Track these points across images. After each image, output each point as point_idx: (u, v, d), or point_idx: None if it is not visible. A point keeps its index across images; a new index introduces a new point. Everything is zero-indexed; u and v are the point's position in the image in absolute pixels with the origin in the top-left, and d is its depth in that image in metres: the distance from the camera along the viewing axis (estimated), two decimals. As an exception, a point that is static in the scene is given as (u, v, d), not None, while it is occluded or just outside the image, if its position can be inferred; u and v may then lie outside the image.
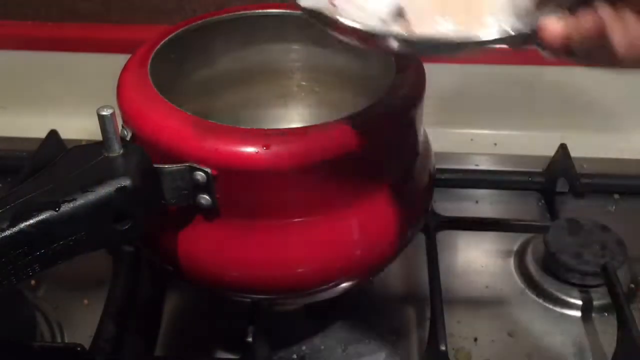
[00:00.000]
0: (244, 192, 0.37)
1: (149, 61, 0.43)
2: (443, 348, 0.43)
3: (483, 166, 0.67)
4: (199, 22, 0.48)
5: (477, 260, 0.56)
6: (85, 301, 0.52)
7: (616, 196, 0.63)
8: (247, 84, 0.56)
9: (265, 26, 0.52)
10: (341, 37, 0.32)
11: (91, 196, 0.32)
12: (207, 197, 0.37)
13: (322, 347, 0.49)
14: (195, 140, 0.36)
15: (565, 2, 0.28)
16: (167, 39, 0.46)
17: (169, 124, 0.38)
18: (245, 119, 0.58)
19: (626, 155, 0.68)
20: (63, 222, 0.32)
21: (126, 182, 0.33)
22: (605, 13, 0.27)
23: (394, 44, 0.30)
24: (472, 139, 0.71)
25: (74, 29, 0.68)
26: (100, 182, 0.33)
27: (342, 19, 0.31)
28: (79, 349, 0.42)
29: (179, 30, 0.47)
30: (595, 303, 0.52)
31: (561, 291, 0.53)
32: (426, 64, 0.44)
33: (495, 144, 0.70)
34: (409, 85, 0.41)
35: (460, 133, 0.71)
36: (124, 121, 0.40)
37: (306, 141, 0.36)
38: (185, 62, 0.50)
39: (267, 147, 0.36)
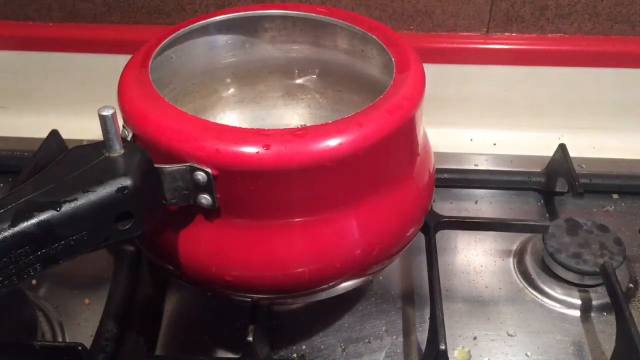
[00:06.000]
0: (244, 192, 0.37)
1: (150, 61, 0.43)
2: (443, 347, 0.43)
3: (482, 166, 0.67)
4: (199, 22, 0.49)
5: (477, 260, 0.57)
6: (86, 301, 0.52)
7: (615, 196, 0.63)
8: (248, 84, 0.57)
9: (266, 26, 0.52)
10: None
11: (92, 196, 0.32)
12: (208, 197, 0.37)
13: (322, 346, 0.49)
14: (196, 140, 0.36)
15: None
16: (167, 39, 0.46)
17: (170, 124, 0.38)
18: (246, 119, 0.58)
19: (625, 155, 0.68)
20: (64, 222, 0.32)
21: (127, 182, 0.33)
22: None
23: None
24: (471, 139, 0.71)
25: (75, 29, 0.68)
26: (101, 182, 0.33)
27: None
28: (79, 348, 0.43)
29: (179, 30, 0.47)
30: (594, 303, 0.52)
31: (560, 291, 0.53)
32: (426, 64, 0.44)
33: (495, 144, 0.70)
34: (409, 85, 0.41)
35: (460, 133, 0.71)
36: (125, 121, 0.40)
37: (306, 141, 0.37)
38: (186, 62, 0.50)
39: (267, 147, 0.36)
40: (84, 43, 0.68)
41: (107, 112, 0.34)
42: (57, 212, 0.32)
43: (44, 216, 0.31)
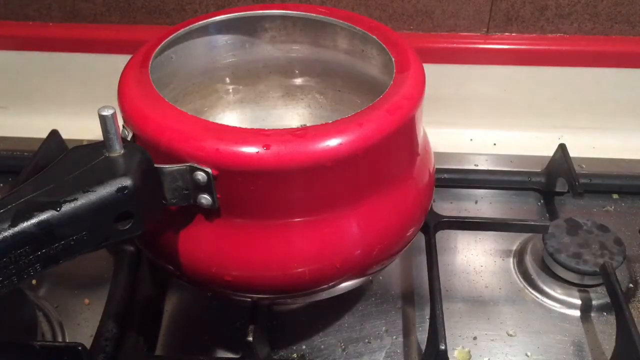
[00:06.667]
0: (244, 192, 0.37)
1: (150, 61, 0.43)
2: (443, 347, 0.43)
3: (482, 166, 0.67)
4: (199, 22, 0.49)
5: (477, 260, 0.57)
6: (86, 301, 0.52)
7: (615, 196, 0.63)
8: (248, 84, 0.57)
9: (266, 26, 0.52)
10: None
11: (92, 196, 0.32)
12: (208, 197, 0.37)
13: (322, 346, 0.49)
14: (196, 140, 0.37)
15: None
16: (167, 39, 0.46)
17: (170, 124, 0.38)
18: (246, 119, 0.58)
19: (625, 155, 0.68)
20: (64, 222, 0.32)
21: (127, 182, 0.33)
22: None
23: None
24: (471, 139, 0.71)
25: (75, 29, 0.68)
26: (101, 182, 0.33)
27: None
28: (80, 348, 0.43)
29: (179, 31, 0.47)
30: (594, 303, 0.52)
31: (560, 291, 0.53)
32: (426, 64, 0.44)
33: (495, 144, 0.70)
34: (409, 85, 0.41)
35: (460, 133, 0.71)
36: (125, 121, 0.40)
37: (306, 141, 0.37)
38: (186, 62, 0.51)
39: (267, 147, 0.36)
40: (84, 43, 0.68)
41: (107, 112, 0.34)
42: (57, 212, 0.32)
43: (44, 216, 0.31)
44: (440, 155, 0.50)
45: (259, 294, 0.43)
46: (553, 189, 0.63)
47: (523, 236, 0.58)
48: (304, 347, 0.49)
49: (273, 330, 0.50)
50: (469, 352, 0.49)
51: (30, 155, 0.61)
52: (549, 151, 0.63)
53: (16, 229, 0.31)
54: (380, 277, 0.55)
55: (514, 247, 0.58)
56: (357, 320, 0.51)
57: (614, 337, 0.47)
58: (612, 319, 0.50)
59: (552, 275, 0.54)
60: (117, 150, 0.34)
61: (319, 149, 0.36)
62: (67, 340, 0.49)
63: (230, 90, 0.56)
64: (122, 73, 0.43)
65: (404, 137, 0.42)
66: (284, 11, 0.50)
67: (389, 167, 0.41)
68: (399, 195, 0.42)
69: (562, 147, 0.61)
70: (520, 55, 0.66)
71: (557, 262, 0.53)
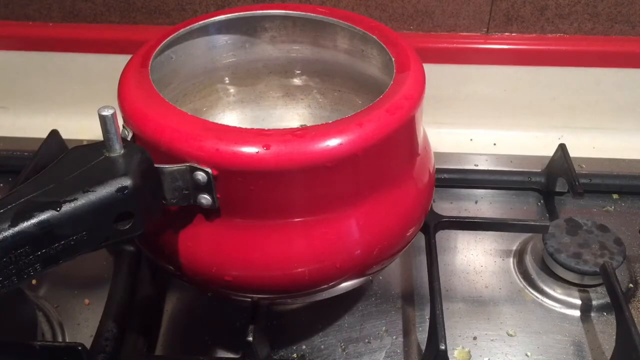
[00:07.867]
0: (244, 192, 0.37)
1: (150, 61, 0.43)
2: (442, 347, 0.43)
3: (482, 166, 0.67)
4: (199, 22, 0.49)
5: (477, 260, 0.57)
6: (86, 301, 0.52)
7: (615, 196, 0.63)
8: (248, 84, 0.57)
9: (266, 26, 0.52)
10: None
11: (92, 196, 0.32)
12: (208, 197, 0.37)
13: (322, 346, 0.49)
14: (196, 140, 0.37)
15: None
16: (167, 39, 0.46)
17: (170, 124, 0.38)
18: (246, 119, 0.58)
19: (625, 155, 0.68)
20: (64, 222, 0.32)
21: (127, 182, 0.33)
22: None
23: None
24: (471, 139, 0.71)
25: (75, 29, 0.68)
26: (101, 182, 0.33)
27: None
28: (79, 348, 0.43)
29: (179, 31, 0.47)
30: (594, 303, 0.52)
31: (560, 291, 0.53)
32: (426, 64, 0.44)
33: (495, 144, 0.70)
34: (409, 85, 0.41)
35: (460, 133, 0.71)
36: (125, 121, 0.40)
37: (306, 141, 0.37)
38: (186, 62, 0.51)
39: (267, 147, 0.36)
40: (84, 43, 0.68)
41: (107, 112, 0.34)
42: (57, 212, 0.32)
43: (44, 216, 0.31)
44: (440, 155, 0.50)
45: (259, 294, 0.43)
46: (553, 189, 0.63)
47: (523, 236, 0.58)
48: (304, 347, 0.49)
49: (273, 330, 0.50)
50: (469, 352, 0.49)
51: (30, 155, 0.61)
52: (549, 151, 0.63)
53: (16, 229, 0.31)
54: (380, 277, 0.55)
55: (514, 247, 0.58)
56: (357, 320, 0.51)
57: (614, 337, 0.47)
58: (612, 319, 0.50)
59: (552, 275, 0.54)
60: (117, 150, 0.34)
61: (319, 149, 0.36)
62: (67, 340, 0.49)
63: (230, 90, 0.56)
64: (122, 73, 0.43)
65: (404, 137, 0.42)
66: (284, 11, 0.50)
67: (389, 167, 0.41)
68: (399, 195, 0.42)
69: (562, 147, 0.61)
70: (520, 55, 0.66)
71: (557, 262, 0.53)
